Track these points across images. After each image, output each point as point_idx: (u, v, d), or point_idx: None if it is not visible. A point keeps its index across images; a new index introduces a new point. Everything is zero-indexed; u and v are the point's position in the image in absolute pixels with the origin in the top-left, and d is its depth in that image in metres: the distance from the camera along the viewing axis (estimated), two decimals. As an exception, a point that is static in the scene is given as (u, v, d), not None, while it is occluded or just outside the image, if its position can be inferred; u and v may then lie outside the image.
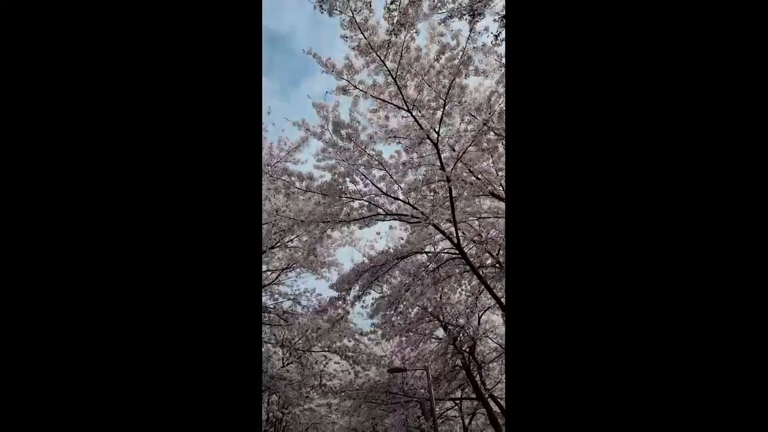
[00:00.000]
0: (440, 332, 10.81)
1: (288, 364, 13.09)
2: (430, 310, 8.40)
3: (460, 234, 5.49)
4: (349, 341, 9.06)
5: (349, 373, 9.62)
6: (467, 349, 9.32)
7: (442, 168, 4.97)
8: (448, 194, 5.22)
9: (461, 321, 9.09)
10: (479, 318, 9.29)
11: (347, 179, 4.97)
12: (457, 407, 13.84)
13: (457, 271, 7.07)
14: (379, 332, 5.87)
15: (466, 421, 13.65)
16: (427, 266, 5.58)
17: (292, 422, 14.92)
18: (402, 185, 5.55)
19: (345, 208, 5.34)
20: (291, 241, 8.54)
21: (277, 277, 10.47)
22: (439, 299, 8.76)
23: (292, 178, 4.91)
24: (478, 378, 9.53)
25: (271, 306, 9.40)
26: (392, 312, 5.44)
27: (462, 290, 8.09)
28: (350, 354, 9.05)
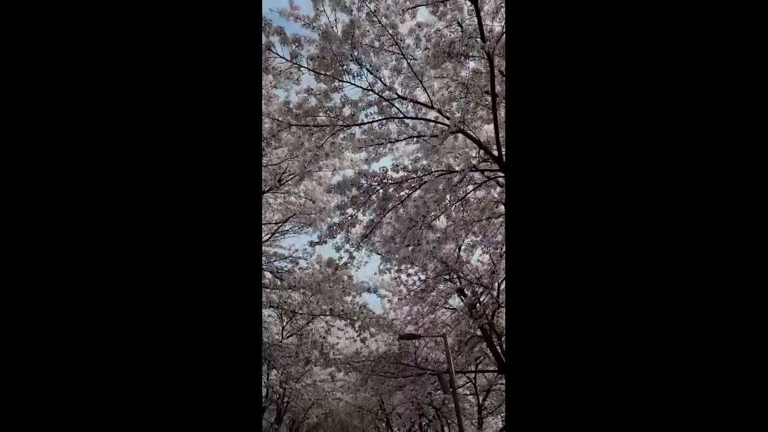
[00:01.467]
0: (456, 301, 9.55)
1: (289, 336, 11.95)
2: (450, 264, 7.06)
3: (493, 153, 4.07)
4: (354, 305, 7.75)
5: (355, 341, 8.33)
6: (488, 317, 8.02)
7: (482, 37, 3.53)
8: (488, 82, 3.77)
9: (485, 281, 7.78)
10: (499, 286, 7.96)
11: (350, 52, 3.52)
12: (470, 383, 12.72)
13: (489, 212, 5.73)
14: (392, 269, 4.47)
15: (480, 397, 12.54)
16: (457, 184, 4.16)
17: (294, 398, 13.81)
18: (424, 79, 4.10)
19: (347, 107, 3.93)
20: (284, 182, 7.16)
21: (272, 235, 9.14)
22: (458, 255, 7.44)
23: (270, 38, 3.41)
24: (499, 349, 8.24)
25: (264, 264, 8.11)
26: (418, 228, 4.02)
27: (495, 235, 6.74)
28: (355, 318, 7.76)
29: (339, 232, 4.38)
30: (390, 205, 4.25)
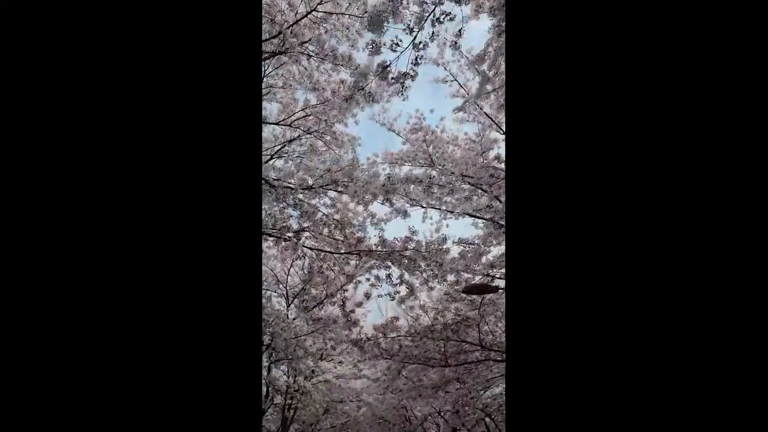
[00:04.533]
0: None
1: (295, 319, 9.02)
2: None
3: None
4: (392, 240, 4.81)
5: (392, 299, 5.38)
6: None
7: None
8: None
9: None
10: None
11: None
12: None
13: None
14: None
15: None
16: None
17: (302, 401, 10.64)
18: None
19: None
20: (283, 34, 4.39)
21: (276, 153, 6.28)
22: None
23: None
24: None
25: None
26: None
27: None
28: (391, 254, 4.83)
29: None
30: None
